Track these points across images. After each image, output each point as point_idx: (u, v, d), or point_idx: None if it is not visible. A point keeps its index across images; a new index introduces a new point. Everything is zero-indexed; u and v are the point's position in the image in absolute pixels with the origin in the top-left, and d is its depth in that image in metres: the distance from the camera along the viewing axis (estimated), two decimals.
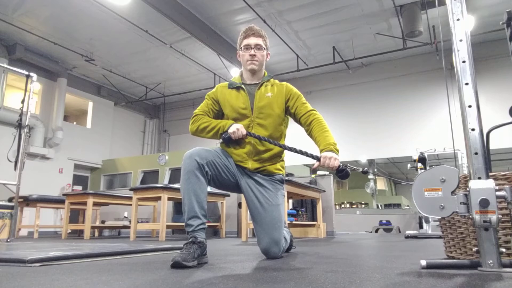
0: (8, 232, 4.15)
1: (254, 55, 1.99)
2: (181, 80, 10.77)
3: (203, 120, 1.98)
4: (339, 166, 1.77)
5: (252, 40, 2.01)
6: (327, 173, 5.79)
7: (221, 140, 2.00)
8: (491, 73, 8.31)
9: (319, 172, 5.85)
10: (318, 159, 1.80)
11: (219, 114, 2.07)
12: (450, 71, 8.32)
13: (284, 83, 2.09)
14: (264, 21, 7.49)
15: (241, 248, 2.88)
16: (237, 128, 1.87)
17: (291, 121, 2.13)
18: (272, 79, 2.09)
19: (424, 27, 7.45)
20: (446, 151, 8.07)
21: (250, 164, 1.96)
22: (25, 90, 4.52)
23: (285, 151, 2.05)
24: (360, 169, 1.82)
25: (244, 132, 1.88)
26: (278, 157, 2.04)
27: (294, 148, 1.90)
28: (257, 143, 1.94)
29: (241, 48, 2.03)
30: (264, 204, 1.93)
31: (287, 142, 2.09)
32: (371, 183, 10.75)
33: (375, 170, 10.86)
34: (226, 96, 2.02)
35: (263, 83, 2.03)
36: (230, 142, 1.92)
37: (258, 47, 2.01)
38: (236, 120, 1.97)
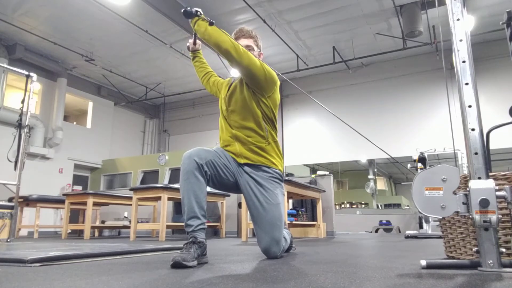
0: (8, 232, 4.15)
1: None
2: (181, 80, 10.78)
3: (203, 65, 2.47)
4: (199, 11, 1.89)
5: (243, 42, 2.07)
6: (327, 173, 5.79)
7: (218, 142, 2.12)
8: (491, 73, 8.31)
9: (319, 172, 5.85)
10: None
11: (213, 84, 2.33)
12: (450, 71, 8.32)
13: None
14: (264, 21, 7.49)
15: (241, 248, 2.88)
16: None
17: (288, 123, 2.14)
18: None
19: (424, 27, 7.45)
20: (446, 151, 8.07)
21: (238, 147, 1.99)
22: (25, 90, 4.52)
23: (271, 132, 2.06)
24: (209, 20, 1.90)
25: (190, 41, 2.26)
26: (261, 136, 2.00)
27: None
28: (236, 126, 2.00)
29: None
30: (264, 204, 1.93)
31: (286, 139, 2.08)
32: (371, 183, 10.74)
33: (375, 170, 10.86)
34: (224, 83, 2.22)
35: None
36: (189, 16, 1.92)
37: (248, 48, 2.05)
38: (220, 107, 2.13)
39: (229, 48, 1.85)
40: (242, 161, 1.98)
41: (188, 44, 2.33)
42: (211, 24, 1.88)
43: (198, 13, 1.88)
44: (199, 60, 2.44)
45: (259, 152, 1.99)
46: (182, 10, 1.88)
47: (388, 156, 9.70)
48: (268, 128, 2.03)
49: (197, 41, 2.29)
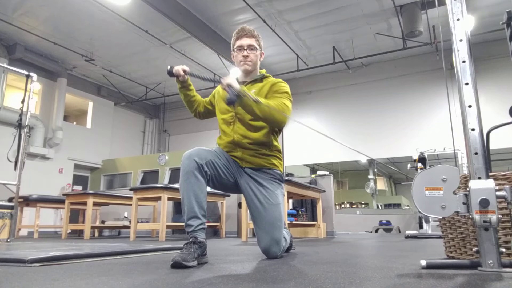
0: (8, 232, 4.15)
1: (247, 56, 2.01)
2: None
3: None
4: (234, 88, 1.74)
5: (245, 41, 2.02)
6: (327, 173, 5.79)
7: (216, 144, 2.09)
8: (491, 73, 8.31)
9: (319, 172, 5.85)
10: (220, 80, 1.82)
11: (213, 110, 2.20)
12: (450, 71, 8.31)
13: (279, 80, 2.08)
14: (264, 21, 7.49)
15: (241, 248, 2.88)
16: (181, 65, 1.96)
17: (288, 123, 2.12)
18: (267, 77, 2.09)
19: (424, 27, 7.45)
20: (446, 151, 8.07)
21: (240, 153, 1.98)
22: (25, 90, 4.52)
23: (276, 143, 2.07)
24: (253, 98, 1.80)
25: (186, 68, 1.95)
26: (265, 146, 2.01)
27: (204, 77, 1.98)
28: (240, 134, 1.97)
29: (234, 49, 2.06)
30: (264, 204, 1.93)
31: (286, 139, 2.08)
32: (371, 183, 10.73)
33: (375, 170, 10.86)
34: (219, 92, 2.14)
35: (253, 81, 2.06)
36: (171, 75, 1.96)
37: (251, 47, 2.02)
38: (222, 114, 2.06)
39: (278, 122, 1.89)
40: (244, 165, 2.00)
41: (174, 71, 1.94)
42: (256, 101, 1.80)
43: (241, 94, 1.77)
44: (190, 88, 2.10)
45: (261, 157, 2.01)
46: (226, 102, 1.78)
47: (388, 156, 9.71)
48: (272, 138, 2.04)
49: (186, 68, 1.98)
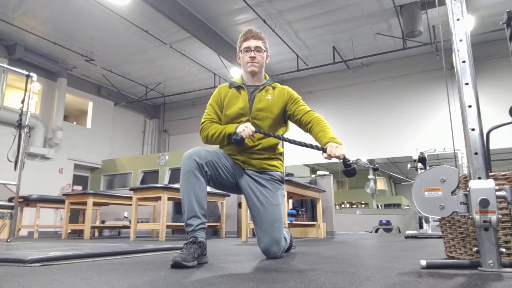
0: (8, 232, 4.15)
1: (254, 57, 2.00)
2: (181, 80, 10.78)
3: (211, 128, 1.97)
4: (346, 158, 1.73)
5: (252, 43, 2.02)
6: (327, 173, 5.78)
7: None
8: (491, 73, 8.31)
9: (319, 172, 5.85)
10: (324, 150, 1.77)
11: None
12: (450, 71, 8.31)
13: (286, 87, 2.12)
14: (264, 21, 7.49)
15: (241, 248, 2.88)
16: (245, 126, 1.83)
17: (288, 123, 2.14)
18: (274, 83, 2.10)
19: (424, 27, 7.45)
20: (446, 151, 8.07)
21: (244, 157, 1.99)
22: (25, 90, 4.52)
23: (279, 147, 2.10)
24: (371, 166, 1.79)
25: (253, 128, 1.83)
26: (271, 150, 2.03)
27: (300, 142, 1.87)
28: (252, 139, 1.97)
29: (241, 50, 2.05)
30: (265, 204, 1.93)
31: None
32: (371, 183, 10.73)
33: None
34: (227, 95, 2.04)
35: (265, 86, 2.04)
36: (241, 142, 1.81)
37: (258, 49, 2.02)
38: (233, 119, 1.98)
39: None
40: (247, 167, 2.01)
41: (245, 136, 1.81)
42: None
43: (352, 161, 1.80)
44: None
45: (264, 161, 2.02)
46: (346, 174, 1.77)
47: (388, 156, 9.71)
48: (277, 143, 2.06)
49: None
